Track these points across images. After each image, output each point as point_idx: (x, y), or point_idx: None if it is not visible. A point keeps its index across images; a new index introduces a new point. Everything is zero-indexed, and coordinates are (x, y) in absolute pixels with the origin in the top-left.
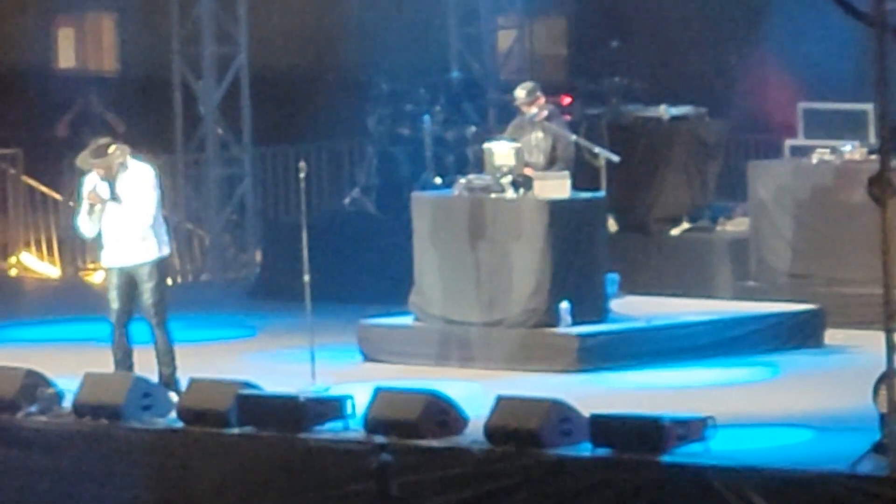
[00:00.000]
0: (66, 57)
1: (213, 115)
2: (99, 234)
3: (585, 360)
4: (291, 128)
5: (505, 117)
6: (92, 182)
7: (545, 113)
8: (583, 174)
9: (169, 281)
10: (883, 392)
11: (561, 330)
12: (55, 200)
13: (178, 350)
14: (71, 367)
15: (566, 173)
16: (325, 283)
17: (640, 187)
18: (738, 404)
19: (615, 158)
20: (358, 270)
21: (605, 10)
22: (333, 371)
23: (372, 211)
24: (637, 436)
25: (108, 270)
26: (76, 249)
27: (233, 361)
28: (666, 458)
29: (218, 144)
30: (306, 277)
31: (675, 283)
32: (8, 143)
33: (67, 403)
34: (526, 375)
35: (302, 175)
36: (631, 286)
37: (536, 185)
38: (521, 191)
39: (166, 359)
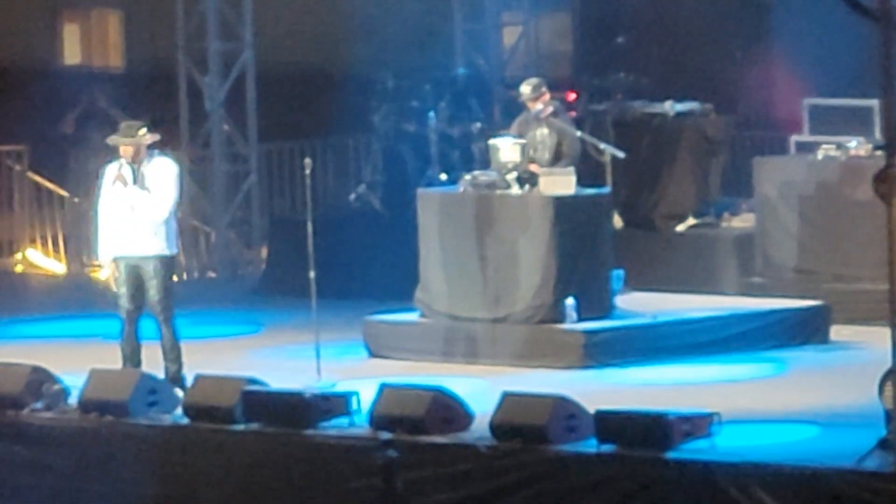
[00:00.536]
0: (71, 53)
1: (219, 111)
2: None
3: (591, 356)
4: (297, 124)
5: (510, 113)
6: (116, 167)
7: (550, 109)
8: (588, 170)
9: (174, 278)
10: (889, 388)
11: (566, 326)
12: (61, 197)
13: (184, 346)
14: (77, 363)
15: (571, 169)
16: (330, 280)
17: (645, 183)
18: (744, 400)
19: (620, 154)
20: (363, 267)
21: (610, 6)
22: (339, 367)
23: (377, 207)
24: (642, 432)
25: (114, 262)
26: (82, 246)
27: (238, 358)
28: (671, 455)
29: (224, 141)
30: (312, 274)
31: (681, 279)
32: (13, 140)
33: (73, 400)
34: (531, 372)
35: (307, 171)
36: (636, 282)
37: (542, 181)
38: (527, 187)
39: (172, 355)
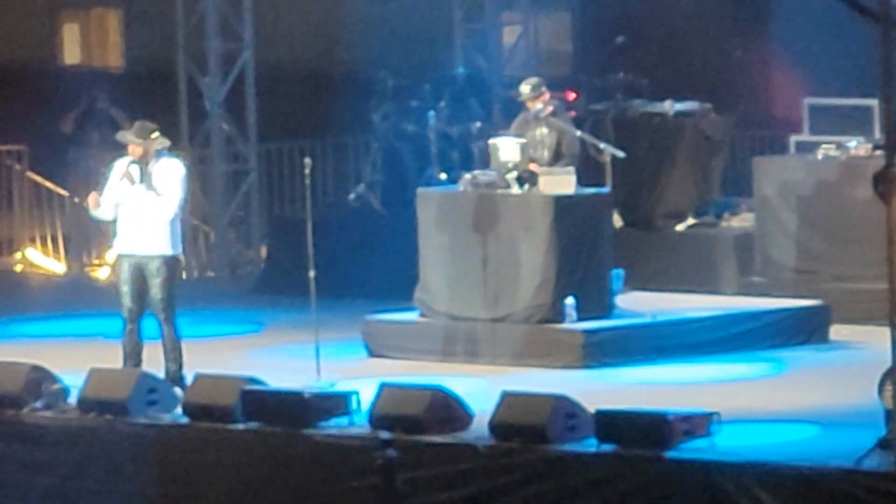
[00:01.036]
0: (71, 53)
1: (219, 110)
2: (113, 223)
3: (590, 355)
4: (296, 123)
5: (510, 113)
6: (125, 164)
7: (550, 108)
8: (588, 170)
9: (182, 276)
10: (888, 388)
11: (566, 325)
12: (60, 196)
13: (184, 345)
14: (76, 362)
15: (571, 169)
16: (330, 279)
17: (645, 183)
18: (744, 400)
19: (620, 154)
20: (363, 266)
21: (610, 5)
22: (338, 367)
23: (377, 207)
24: (642, 432)
25: (117, 259)
26: (81, 245)
27: (238, 357)
28: (671, 454)
29: (223, 140)
30: (311, 273)
31: (680, 278)
32: (13, 139)
33: (73, 399)
34: (531, 371)
35: (307, 171)
36: (636, 282)
37: (541, 180)
38: (527, 186)
39: (173, 354)
